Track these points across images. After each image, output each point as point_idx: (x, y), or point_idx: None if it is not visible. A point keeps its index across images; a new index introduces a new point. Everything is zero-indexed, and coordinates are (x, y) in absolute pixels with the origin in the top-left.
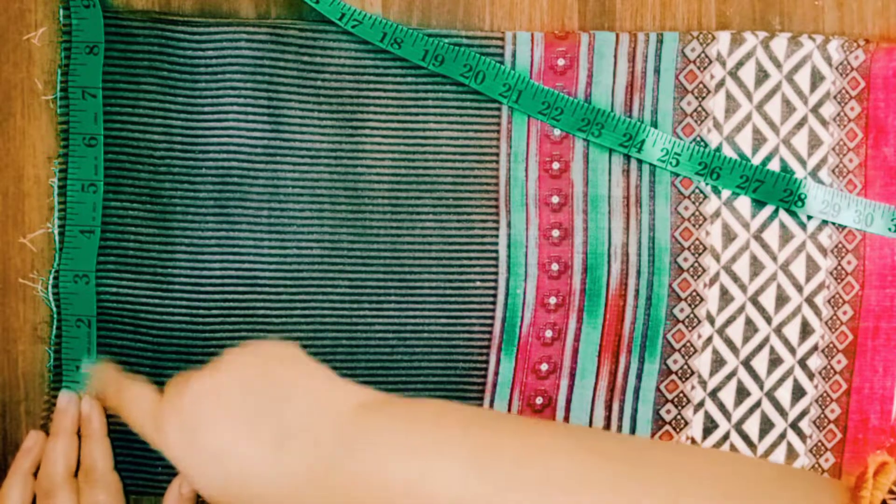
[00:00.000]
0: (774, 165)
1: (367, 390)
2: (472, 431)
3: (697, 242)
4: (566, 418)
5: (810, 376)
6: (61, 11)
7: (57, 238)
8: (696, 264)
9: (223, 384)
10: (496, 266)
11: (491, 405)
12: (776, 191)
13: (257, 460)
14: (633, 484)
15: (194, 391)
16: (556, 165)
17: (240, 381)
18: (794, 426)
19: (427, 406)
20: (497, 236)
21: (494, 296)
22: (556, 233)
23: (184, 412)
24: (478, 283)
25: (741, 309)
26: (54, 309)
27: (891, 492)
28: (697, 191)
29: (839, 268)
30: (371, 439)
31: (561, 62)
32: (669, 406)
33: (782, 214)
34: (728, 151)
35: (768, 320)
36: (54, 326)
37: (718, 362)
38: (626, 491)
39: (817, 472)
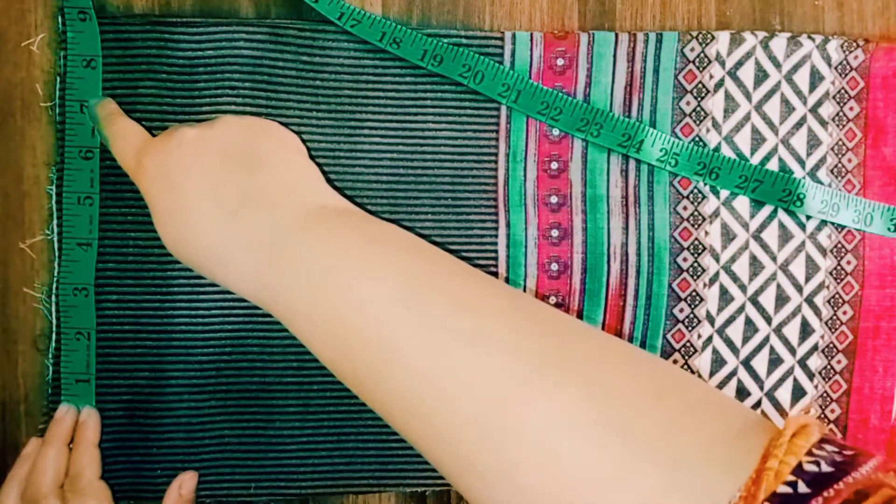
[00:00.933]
0: (773, 165)
1: (335, 197)
2: (418, 264)
3: (697, 242)
4: None
5: (810, 376)
6: (59, 22)
7: (56, 246)
8: (695, 264)
9: (209, 138)
10: (496, 266)
11: None
12: (775, 191)
13: (212, 217)
14: (558, 358)
15: (182, 137)
16: (554, 165)
17: (224, 141)
18: None
19: (389, 232)
20: (496, 236)
21: None
22: (555, 233)
23: (166, 153)
24: None
25: (741, 309)
26: (53, 321)
27: (810, 454)
28: (696, 191)
29: (839, 268)
30: (322, 237)
31: (560, 62)
32: None
33: (781, 214)
34: (727, 151)
35: (768, 320)
36: (53, 339)
37: (718, 362)
38: (549, 363)
39: None
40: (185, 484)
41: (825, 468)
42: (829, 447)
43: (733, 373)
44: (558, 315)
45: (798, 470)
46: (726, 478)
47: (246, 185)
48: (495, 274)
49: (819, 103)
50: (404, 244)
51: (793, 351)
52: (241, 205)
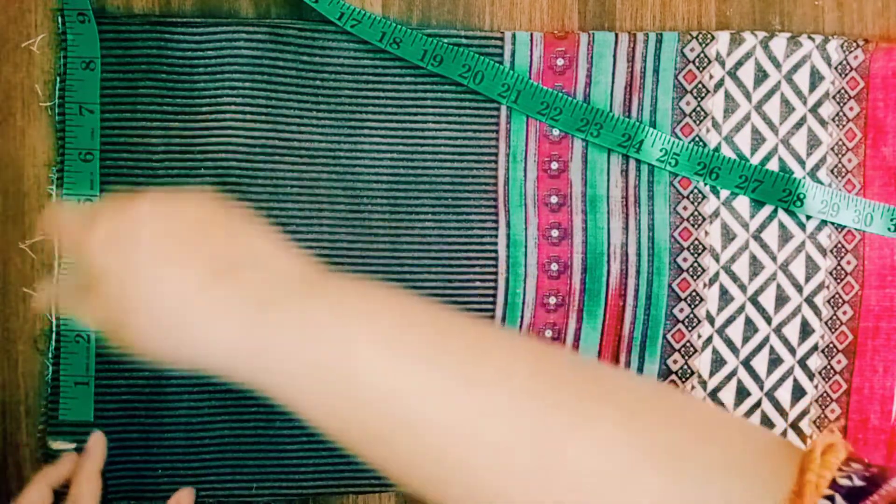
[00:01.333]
0: (773, 165)
1: (314, 264)
2: (419, 315)
3: (697, 242)
4: None
5: (810, 376)
6: (58, 23)
7: (56, 247)
8: (695, 264)
9: (172, 206)
10: (495, 266)
11: None
12: (775, 191)
13: (183, 284)
14: (579, 392)
15: (143, 203)
16: (554, 165)
17: (192, 205)
18: (795, 426)
19: (375, 286)
20: (496, 236)
21: (494, 296)
22: (555, 233)
23: (125, 219)
24: (477, 283)
25: (741, 309)
26: (53, 322)
27: (840, 469)
28: (696, 191)
29: (839, 268)
30: (309, 297)
31: (560, 62)
32: None
33: (781, 214)
34: (727, 151)
35: (768, 320)
36: (53, 339)
37: (718, 362)
38: (572, 398)
39: None
40: (182, 500)
41: (857, 482)
42: (855, 464)
43: (733, 373)
44: (558, 350)
45: (833, 484)
46: (762, 491)
47: (227, 250)
48: (495, 274)
49: (819, 103)
50: (399, 298)
51: (793, 351)
52: (222, 269)
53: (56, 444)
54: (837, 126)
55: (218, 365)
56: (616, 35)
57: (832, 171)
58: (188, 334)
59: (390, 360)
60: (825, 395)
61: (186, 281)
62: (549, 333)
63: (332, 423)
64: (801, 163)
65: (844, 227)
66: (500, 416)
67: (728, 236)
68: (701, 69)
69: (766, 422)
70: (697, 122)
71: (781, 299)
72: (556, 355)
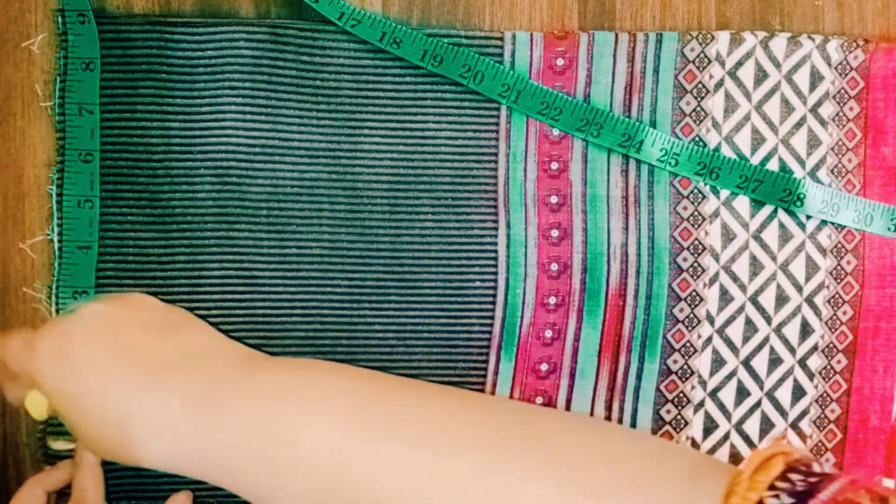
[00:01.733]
0: (773, 165)
1: (252, 350)
2: (358, 383)
3: (697, 242)
4: None
5: (810, 376)
6: (58, 23)
7: (56, 247)
8: (695, 264)
9: (113, 311)
10: (495, 266)
11: None
12: (775, 191)
13: (122, 386)
14: (518, 445)
15: (82, 312)
16: (554, 165)
17: (130, 311)
18: (795, 426)
19: (311, 364)
20: (496, 236)
21: (494, 296)
22: (555, 233)
23: (63, 333)
24: (477, 283)
25: (741, 309)
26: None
27: (773, 487)
28: (696, 191)
29: (839, 268)
30: (254, 386)
31: (560, 62)
32: (669, 406)
33: (781, 214)
34: (727, 151)
35: (768, 320)
36: None
37: (718, 362)
38: (509, 450)
39: None
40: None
41: (786, 500)
42: (794, 476)
43: (733, 373)
44: (506, 402)
45: None
46: None
47: (164, 348)
48: (495, 274)
49: (819, 103)
50: (340, 371)
51: (793, 351)
52: (160, 368)
53: (56, 444)
54: (837, 126)
55: (164, 464)
56: (616, 35)
57: (832, 171)
58: (137, 434)
59: (338, 441)
60: (825, 395)
61: (127, 384)
62: (549, 333)
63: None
64: (801, 163)
65: (844, 227)
66: (454, 484)
67: (728, 236)
68: (701, 69)
69: (766, 422)
70: (697, 122)
71: (781, 299)
72: (498, 402)
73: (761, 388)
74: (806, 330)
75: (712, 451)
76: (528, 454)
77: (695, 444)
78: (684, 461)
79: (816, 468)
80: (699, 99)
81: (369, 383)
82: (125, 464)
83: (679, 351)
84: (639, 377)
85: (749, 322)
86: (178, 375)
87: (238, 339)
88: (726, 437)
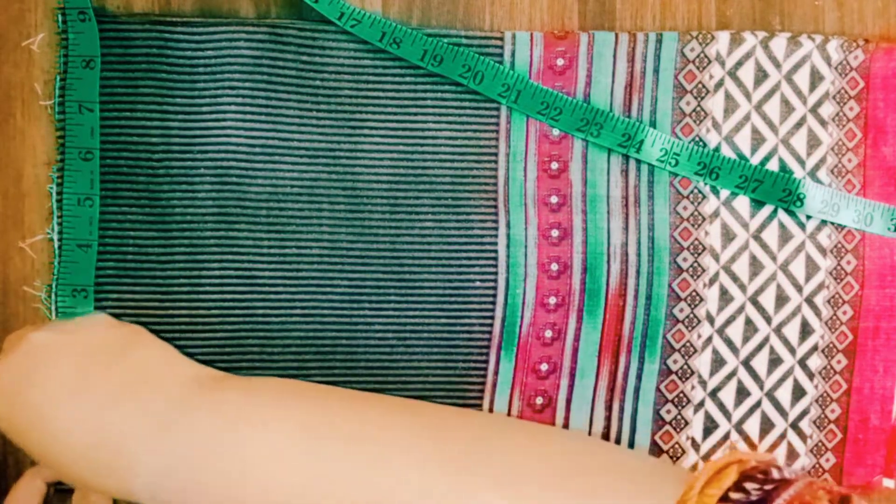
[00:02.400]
0: (773, 165)
1: (205, 367)
2: (310, 400)
3: (696, 242)
4: (566, 418)
5: (810, 376)
6: (59, 21)
7: (56, 245)
8: (695, 264)
9: (59, 341)
10: (495, 266)
11: (490, 405)
12: (775, 191)
13: (80, 414)
14: (468, 462)
15: (29, 344)
16: (554, 165)
17: (76, 339)
18: (795, 426)
19: (266, 382)
20: (496, 236)
21: (494, 296)
22: (555, 233)
23: (11, 367)
24: (477, 283)
25: (741, 309)
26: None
27: (726, 499)
28: (696, 191)
29: (839, 268)
30: (208, 406)
31: (560, 62)
32: (669, 406)
33: (781, 214)
34: (727, 151)
35: (768, 320)
36: None
37: (718, 362)
38: (460, 468)
39: (814, 471)
40: None
41: None
42: (749, 485)
43: (733, 373)
44: (465, 415)
45: None
46: None
47: (119, 371)
48: (495, 274)
49: (819, 103)
50: (293, 389)
51: (793, 351)
52: (118, 391)
53: None
54: (837, 126)
55: (128, 491)
56: (616, 35)
57: (832, 171)
58: (100, 457)
59: (296, 458)
60: (825, 395)
61: (84, 409)
62: (549, 333)
63: None
64: (801, 163)
65: (844, 227)
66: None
67: (728, 236)
68: (701, 69)
69: (766, 422)
70: (697, 122)
71: (781, 299)
72: (455, 416)
73: (761, 388)
74: (806, 330)
75: (712, 451)
76: (479, 471)
77: (695, 444)
78: (644, 471)
79: (775, 474)
80: (699, 99)
81: (325, 399)
82: (106, 490)
83: (679, 351)
84: (639, 377)
85: (749, 322)
86: (135, 398)
87: (238, 339)
88: (726, 437)
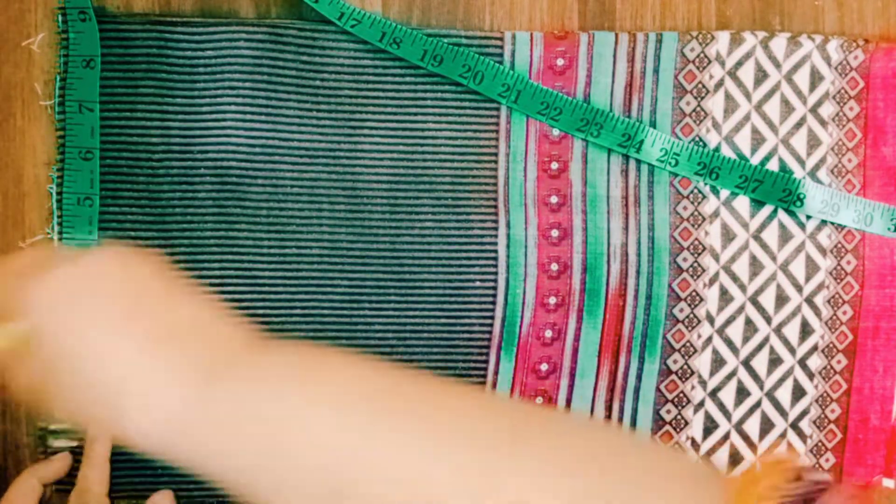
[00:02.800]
0: (773, 165)
1: (251, 330)
2: (359, 371)
3: (696, 242)
4: None
5: (810, 376)
6: (59, 22)
7: (57, 244)
8: (695, 264)
9: (117, 263)
10: (495, 266)
11: None
12: (775, 191)
13: (133, 352)
14: (517, 441)
15: (86, 262)
16: (554, 165)
17: (133, 268)
18: (795, 426)
19: (323, 350)
20: (496, 236)
21: (494, 296)
22: (555, 233)
23: (70, 279)
24: (477, 283)
25: (741, 309)
26: None
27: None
28: (696, 191)
29: (839, 268)
30: (255, 363)
31: (560, 62)
32: (669, 406)
33: (781, 214)
34: (727, 151)
35: (768, 320)
36: None
37: (718, 362)
38: (508, 447)
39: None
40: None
41: None
42: (784, 489)
43: (733, 373)
44: (512, 402)
45: None
46: None
47: (168, 316)
48: (495, 274)
49: (819, 103)
50: (344, 359)
51: (793, 351)
52: (162, 337)
53: (56, 444)
54: (837, 126)
55: (153, 439)
56: (616, 35)
57: (832, 171)
58: (125, 404)
59: (336, 426)
60: (825, 395)
61: (124, 346)
62: (549, 333)
63: (276, 498)
64: (801, 163)
65: (844, 227)
66: (449, 470)
67: (728, 236)
68: (701, 69)
69: (766, 422)
70: (697, 122)
71: (781, 299)
72: (502, 401)
73: (761, 388)
74: (806, 330)
75: (712, 451)
76: (528, 455)
77: (695, 444)
78: (685, 469)
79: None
80: (699, 99)
81: (372, 372)
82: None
83: (679, 351)
84: (639, 377)
85: (749, 322)
86: (180, 347)
87: None
88: (726, 437)
